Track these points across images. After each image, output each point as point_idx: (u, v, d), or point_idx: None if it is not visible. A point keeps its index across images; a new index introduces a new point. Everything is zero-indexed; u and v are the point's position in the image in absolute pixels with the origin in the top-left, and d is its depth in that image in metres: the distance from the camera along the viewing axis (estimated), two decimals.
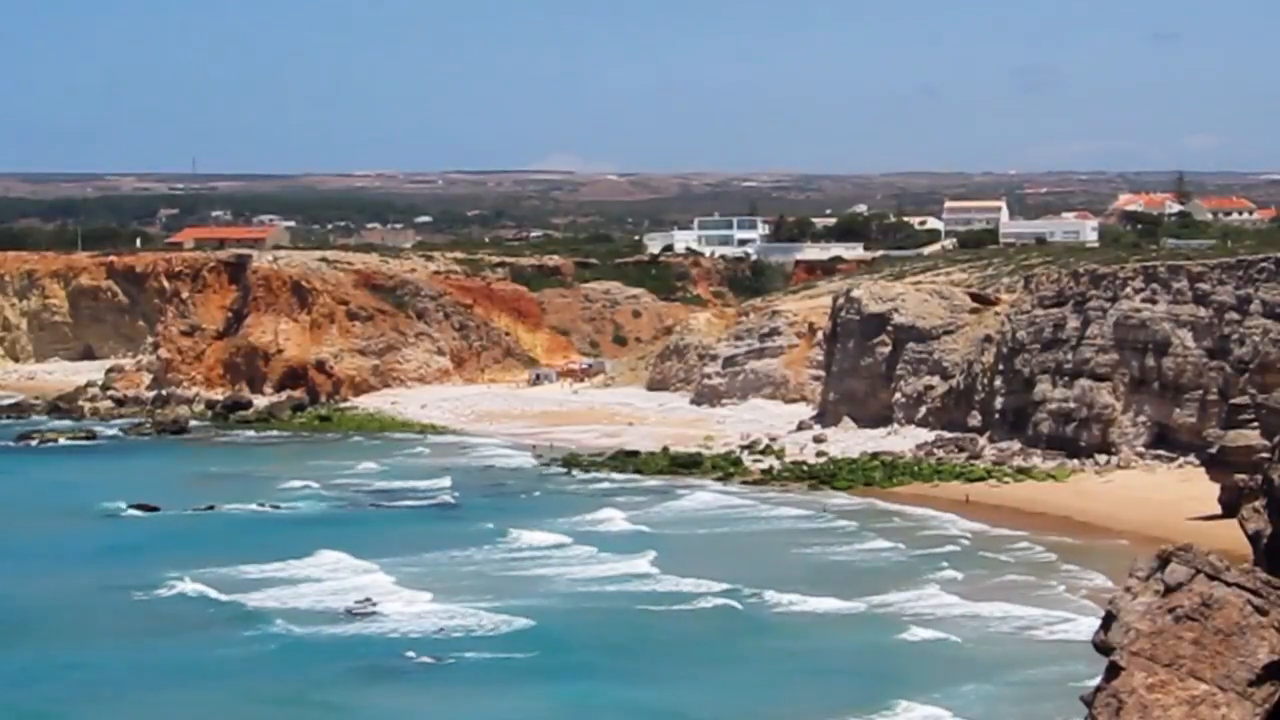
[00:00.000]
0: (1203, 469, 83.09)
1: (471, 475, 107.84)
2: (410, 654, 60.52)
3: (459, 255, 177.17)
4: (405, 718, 53.99)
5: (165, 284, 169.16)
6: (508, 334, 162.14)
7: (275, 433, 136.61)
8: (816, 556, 78.35)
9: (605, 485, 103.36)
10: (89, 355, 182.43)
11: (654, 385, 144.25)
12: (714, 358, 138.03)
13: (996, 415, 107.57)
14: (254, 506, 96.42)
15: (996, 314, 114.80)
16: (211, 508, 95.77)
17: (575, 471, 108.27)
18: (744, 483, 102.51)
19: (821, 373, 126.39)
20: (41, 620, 67.95)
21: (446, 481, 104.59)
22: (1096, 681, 26.44)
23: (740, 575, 71.77)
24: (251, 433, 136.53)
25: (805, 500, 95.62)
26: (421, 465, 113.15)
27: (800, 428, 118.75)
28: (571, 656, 60.11)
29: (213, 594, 71.08)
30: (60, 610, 69.62)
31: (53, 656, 61.78)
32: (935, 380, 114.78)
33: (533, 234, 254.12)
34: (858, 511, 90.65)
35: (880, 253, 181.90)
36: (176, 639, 64.03)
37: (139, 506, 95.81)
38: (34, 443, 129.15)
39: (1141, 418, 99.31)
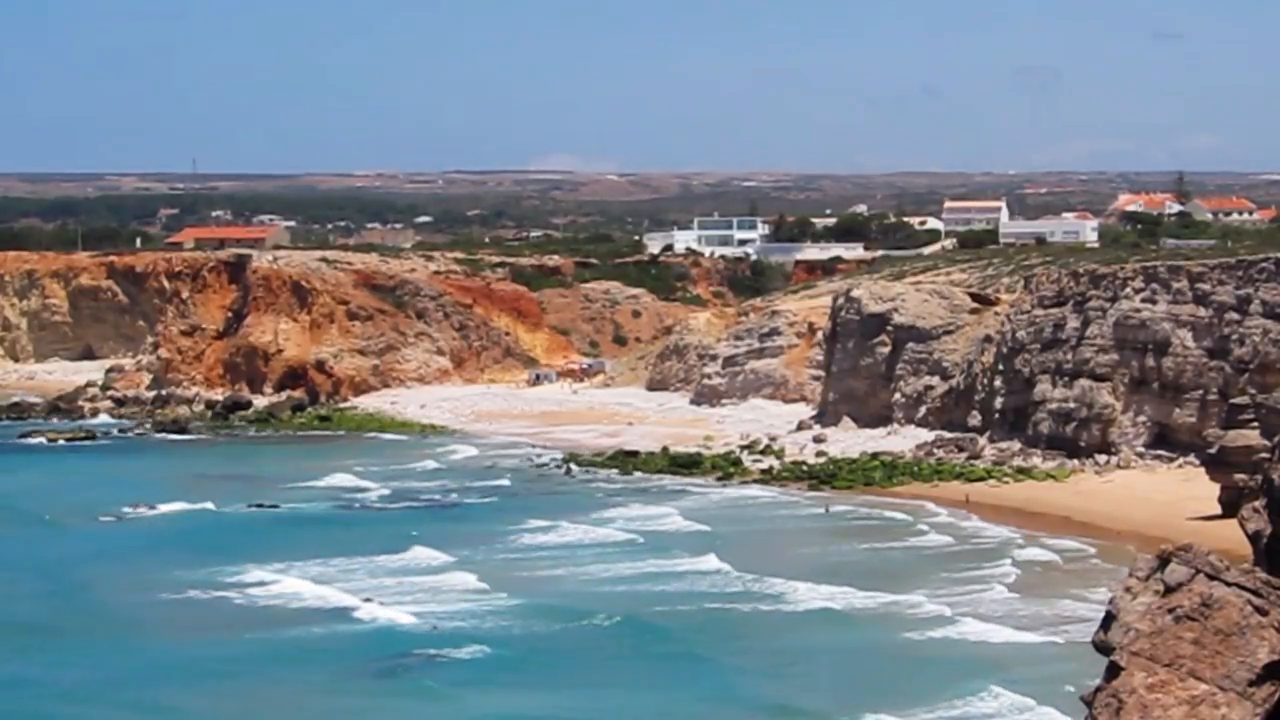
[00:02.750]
0: (1203, 469, 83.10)
1: (524, 473, 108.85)
2: (529, 649, 61.60)
3: (459, 255, 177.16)
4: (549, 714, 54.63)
5: (165, 284, 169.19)
6: (508, 334, 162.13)
7: (286, 432, 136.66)
8: (880, 552, 79.71)
9: (654, 481, 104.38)
10: (89, 355, 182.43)
11: (654, 385, 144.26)
12: (714, 358, 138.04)
13: (996, 415, 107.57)
14: (309, 504, 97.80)
15: (996, 314, 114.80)
16: (275, 506, 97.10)
17: (610, 472, 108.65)
18: (782, 479, 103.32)
19: (821, 373, 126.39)
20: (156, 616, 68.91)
21: (506, 481, 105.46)
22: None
23: (813, 571, 73.17)
24: (252, 432, 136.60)
25: (838, 496, 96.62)
26: (472, 464, 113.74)
27: (800, 428, 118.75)
28: (680, 655, 60.89)
29: (324, 591, 71.84)
30: (182, 606, 70.60)
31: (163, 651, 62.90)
32: (935, 380, 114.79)
33: (533, 234, 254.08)
34: (904, 507, 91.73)
35: (880, 253, 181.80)
36: (300, 630, 65.40)
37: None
38: (33, 441, 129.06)
39: (1141, 418, 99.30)
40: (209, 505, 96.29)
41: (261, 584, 73.42)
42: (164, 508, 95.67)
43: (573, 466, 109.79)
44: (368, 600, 69.13)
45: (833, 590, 69.56)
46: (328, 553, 79.50)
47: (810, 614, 66.43)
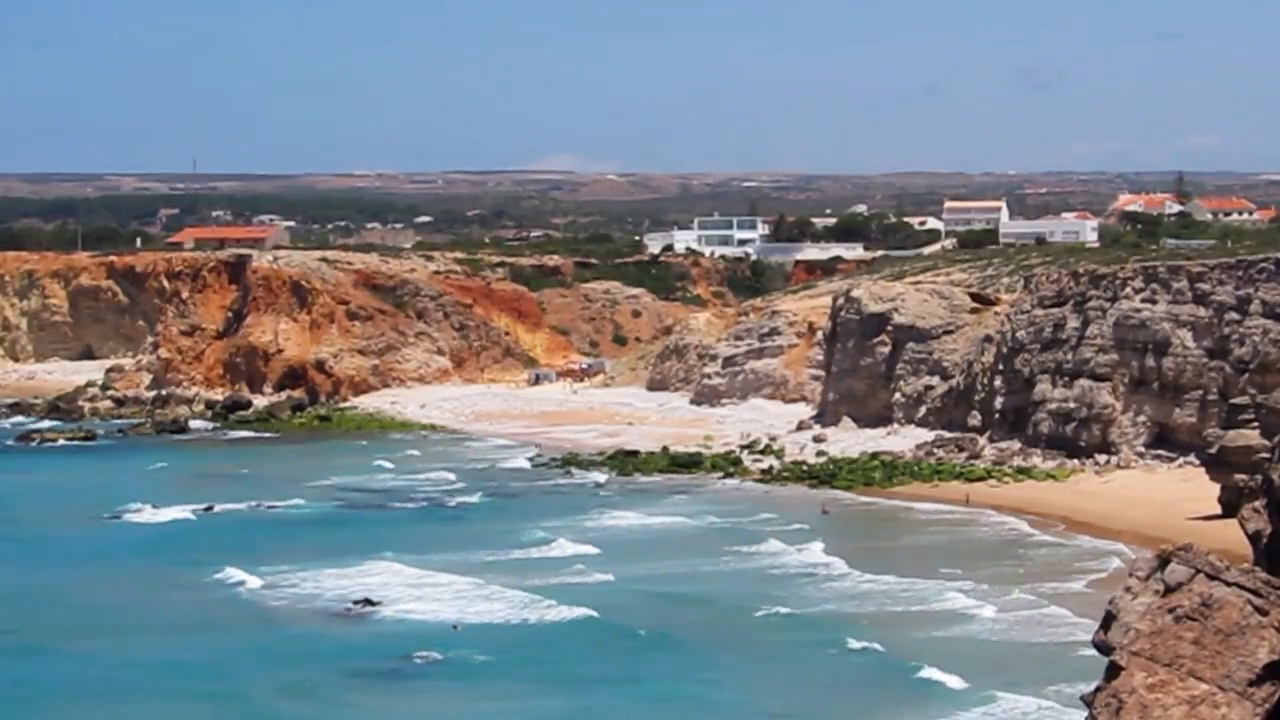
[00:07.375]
0: (1203, 469, 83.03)
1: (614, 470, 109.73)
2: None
3: (459, 255, 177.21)
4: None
5: (165, 284, 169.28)
6: (507, 334, 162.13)
7: (291, 432, 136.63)
8: (943, 546, 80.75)
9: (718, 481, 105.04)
10: (89, 355, 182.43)
11: (654, 385, 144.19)
12: (714, 358, 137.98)
13: (996, 415, 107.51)
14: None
15: (996, 314, 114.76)
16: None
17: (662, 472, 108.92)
18: (782, 479, 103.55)
19: (821, 373, 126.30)
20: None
21: (601, 476, 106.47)
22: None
23: (922, 570, 73.82)
24: (250, 434, 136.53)
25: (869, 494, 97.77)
26: (559, 461, 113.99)
27: (800, 428, 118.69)
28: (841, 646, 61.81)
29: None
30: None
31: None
32: (935, 380, 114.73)
33: (533, 234, 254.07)
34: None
35: (880, 253, 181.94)
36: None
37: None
38: (34, 443, 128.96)
39: (1141, 418, 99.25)
40: (334, 503, 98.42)
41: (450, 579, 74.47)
42: (280, 504, 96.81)
43: (573, 469, 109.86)
44: (356, 604, 69.53)
45: (935, 582, 71.05)
46: (472, 546, 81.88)
47: (942, 610, 67.25)
